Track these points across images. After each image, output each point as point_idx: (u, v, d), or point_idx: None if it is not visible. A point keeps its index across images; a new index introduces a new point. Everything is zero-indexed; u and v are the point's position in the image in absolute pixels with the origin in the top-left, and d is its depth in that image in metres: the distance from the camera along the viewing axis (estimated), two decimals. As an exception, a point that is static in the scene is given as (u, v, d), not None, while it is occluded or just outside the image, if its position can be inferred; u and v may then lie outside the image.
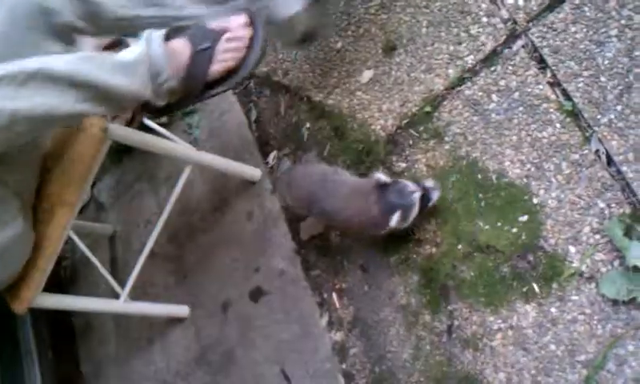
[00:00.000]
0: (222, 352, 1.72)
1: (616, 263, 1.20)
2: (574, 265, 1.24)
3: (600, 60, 1.32)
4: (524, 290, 1.28)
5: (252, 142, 1.83)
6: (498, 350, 1.28)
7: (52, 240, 1.32)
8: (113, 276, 1.66)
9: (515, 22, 1.45)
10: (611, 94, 1.29)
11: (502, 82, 1.43)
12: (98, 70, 1.07)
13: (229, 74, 1.28)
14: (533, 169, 1.34)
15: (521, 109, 1.39)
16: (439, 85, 1.51)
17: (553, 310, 1.24)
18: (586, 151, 1.29)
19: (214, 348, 1.74)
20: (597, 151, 1.28)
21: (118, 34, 1.29)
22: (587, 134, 1.30)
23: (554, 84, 1.36)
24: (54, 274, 1.39)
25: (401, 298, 1.43)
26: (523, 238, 1.31)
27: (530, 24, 1.42)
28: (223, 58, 1.26)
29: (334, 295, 1.54)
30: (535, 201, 1.31)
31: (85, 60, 1.07)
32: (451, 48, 1.53)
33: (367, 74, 1.64)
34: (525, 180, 1.34)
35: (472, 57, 1.49)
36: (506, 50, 1.44)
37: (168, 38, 1.24)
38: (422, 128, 1.51)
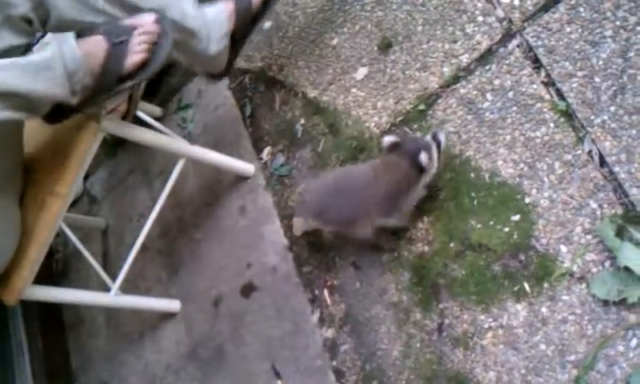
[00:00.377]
0: (213, 347, 1.71)
1: (607, 264, 1.20)
2: (565, 265, 1.24)
3: (594, 61, 1.32)
4: (515, 289, 1.28)
5: (246, 138, 1.83)
6: (489, 349, 1.28)
7: (43, 230, 1.32)
8: (104, 269, 1.65)
9: (511, 22, 1.45)
10: (605, 94, 1.29)
11: (497, 81, 1.43)
12: (17, 79, 1.07)
13: (141, 67, 1.29)
14: (526, 168, 1.34)
15: (515, 108, 1.39)
16: (434, 83, 1.51)
17: (543, 309, 1.24)
18: (579, 151, 1.29)
19: (205, 343, 1.73)
20: (590, 152, 1.28)
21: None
22: (580, 135, 1.30)
23: (549, 84, 1.36)
24: (45, 267, 1.39)
25: (392, 295, 1.43)
26: (515, 237, 1.31)
27: (526, 24, 1.43)
28: (138, 50, 1.27)
29: (326, 292, 1.54)
30: (527, 200, 1.32)
31: (3, 68, 1.07)
32: (446, 46, 1.53)
33: (362, 71, 1.64)
34: (517, 179, 1.34)
35: (467, 55, 1.49)
36: (501, 50, 1.44)
37: (80, 35, 1.24)
38: (415, 126, 1.51)
